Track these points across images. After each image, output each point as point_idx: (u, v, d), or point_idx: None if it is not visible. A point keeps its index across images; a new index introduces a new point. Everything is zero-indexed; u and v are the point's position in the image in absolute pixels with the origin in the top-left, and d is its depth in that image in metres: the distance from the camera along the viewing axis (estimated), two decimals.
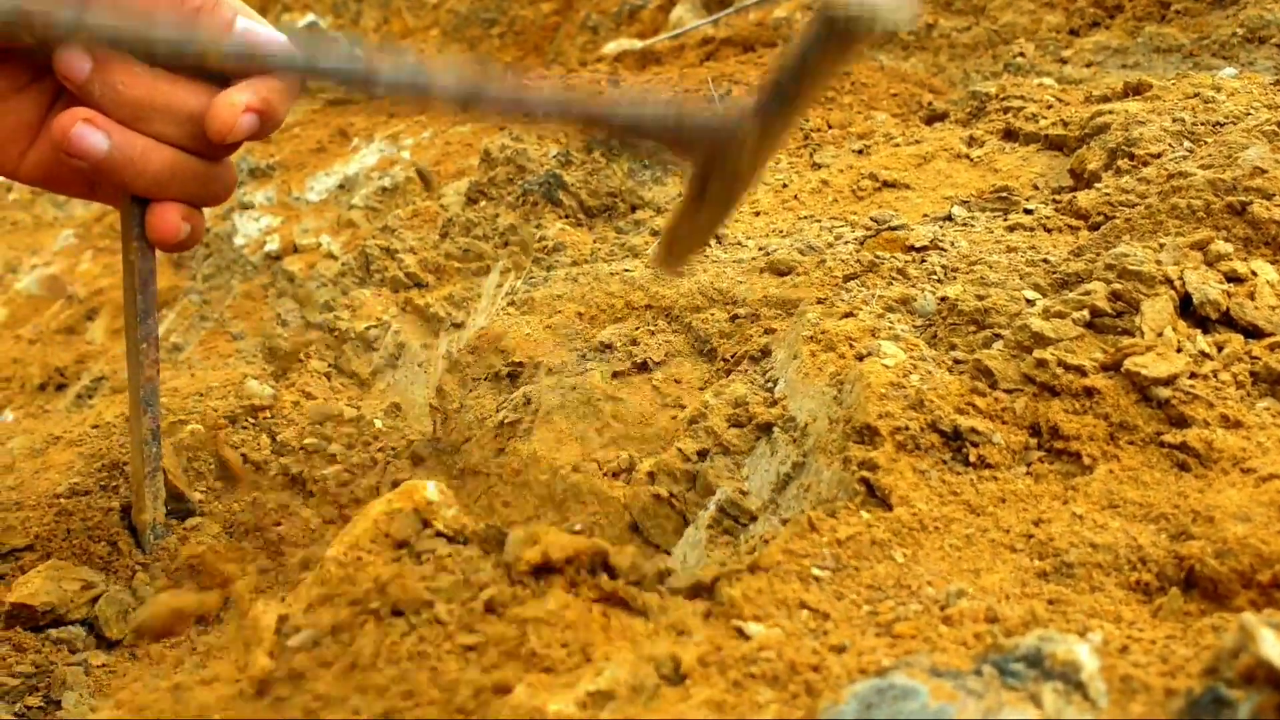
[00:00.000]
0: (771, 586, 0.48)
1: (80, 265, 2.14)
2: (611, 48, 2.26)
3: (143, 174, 0.74)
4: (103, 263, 2.11)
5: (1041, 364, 0.57)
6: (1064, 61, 1.51)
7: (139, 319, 0.84)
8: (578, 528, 0.72)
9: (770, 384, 0.70)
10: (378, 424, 1.07)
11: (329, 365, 1.23)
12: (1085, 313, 0.59)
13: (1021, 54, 1.55)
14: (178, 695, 0.51)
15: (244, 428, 1.07)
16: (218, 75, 0.73)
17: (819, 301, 0.73)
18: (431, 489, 0.59)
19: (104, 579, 0.88)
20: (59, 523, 0.95)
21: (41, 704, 0.76)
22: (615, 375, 0.82)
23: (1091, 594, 0.46)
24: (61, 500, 0.98)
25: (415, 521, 0.57)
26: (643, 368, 0.82)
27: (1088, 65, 1.44)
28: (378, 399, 1.18)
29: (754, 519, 0.62)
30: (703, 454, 0.71)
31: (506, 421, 0.85)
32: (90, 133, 0.71)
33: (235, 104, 0.72)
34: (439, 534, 0.57)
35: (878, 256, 0.76)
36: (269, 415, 1.09)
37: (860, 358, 0.63)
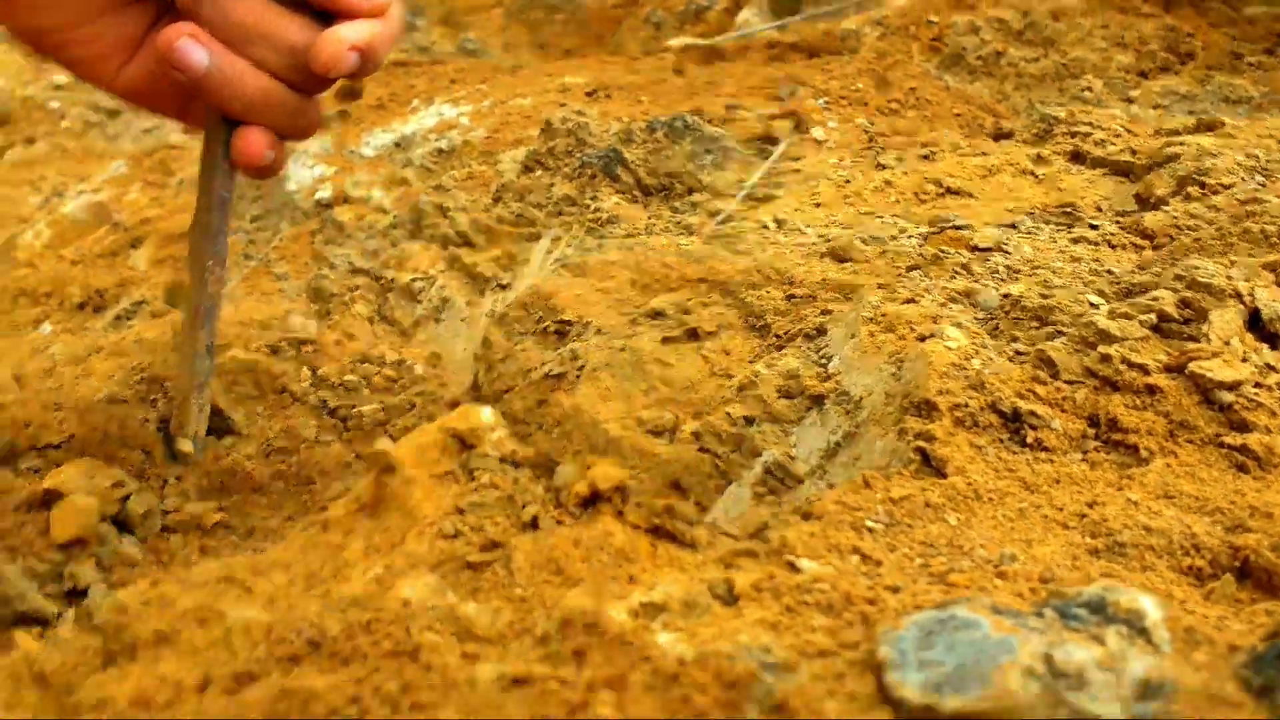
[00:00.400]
0: (824, 532, 0.49)
1: (128, 195, 2.16)
2: (675, 42, 2.28)
3: (238, 96, 0.75)
4: (150, 195, 2.13)
5: (1105, 359, 0.57)
6: (1130, 101, 1.51)
7: (210, 237, 0.85)
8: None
9: (824, 360, 0.71)
10: (418, 369, 1.08)
11: (372, 311, 1.24)
12: (1152, 316, 0.60)
13: (1089, 89, 1.55)
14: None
15: (285, 359, 1.08)
16: (321, 12, 0.75)
17: (880, 287, 0.74)
18: (486, 413, 0.60)
19: (136, 483, 0.89)
20: (95, 427, 0.96)
21: (69, 590, 0.76)
22: (665, 341, 0.83)
23: (1143, 573, 0.47)
24: (100, 406, 0.99)
25: (469, 440, 0.58)
26: (693, 336, 0.82)
27: (1154, 107, 1.44)
28: (419, 348, 1.19)
29: (800, 482, 0.62)
30: (750, 420, 0.71)
31: (551, 374, 0.86)
32: (194, 48, 0.72)
33: (342, 40, 0.74)
34: (489, 455, 0.58)
35: (942, 251, 0.76)
36: (311, 350, 1.10)
37: (922, 339, 0.64)
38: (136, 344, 1.13)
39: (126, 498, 0.86)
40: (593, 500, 0.54)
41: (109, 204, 2.17)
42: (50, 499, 0.81)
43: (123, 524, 0.85)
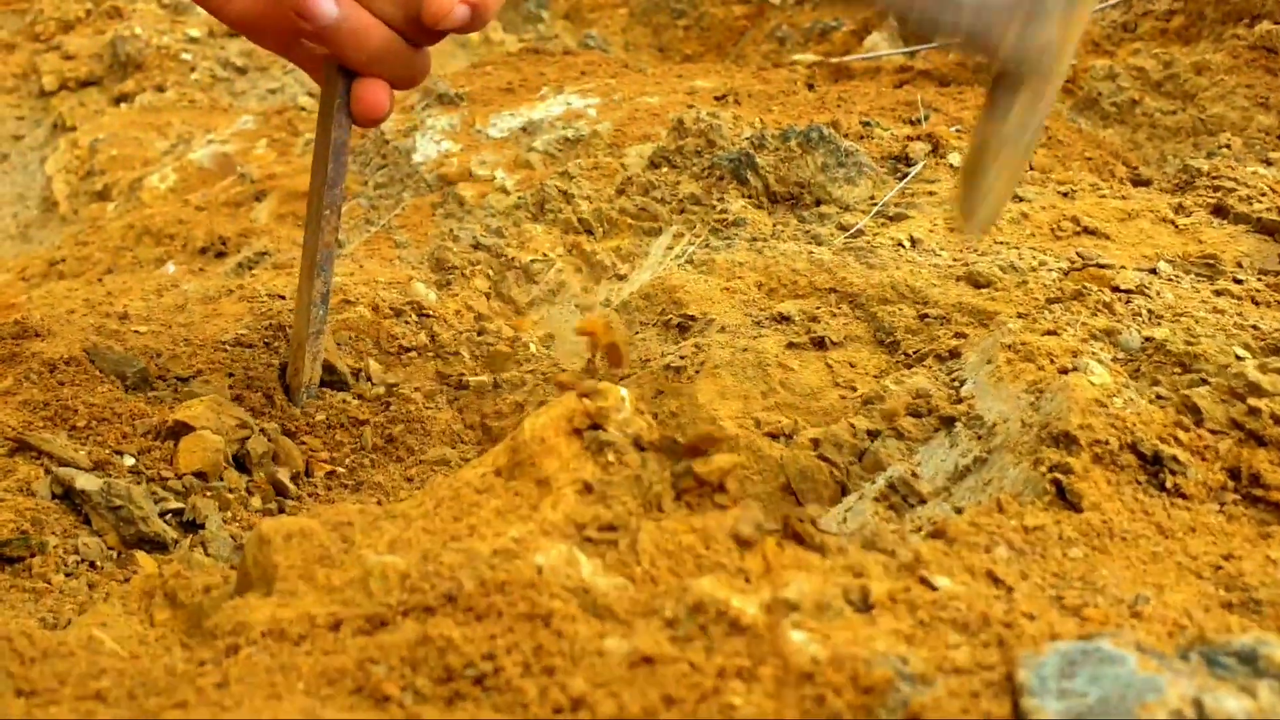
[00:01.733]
0: (958, 552, 0.49)
1: (255, 150, 2.21)
2: (804, 56, 2.27)
3: (363, 48, 0.78)
4: (277, 151, 2.18)
5: (1254, 412, 0.57)
6: (1269, 163, 1.48)
7: (327, 186, 0.87)
8: None
9: (957, 383, 0.71)
10: (532, 348, 1.09)
11: (490, 287, 1.26)
12: None
13: (1227, 146, 1.52)
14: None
15: (406, 322, 1.10)
16: None
17: (1020, 316, 0.73)
18: (624, 393, 0.61)
19: (255, 423, 0.91)
20: (222, 365, 0.98)
21: (189, 520, 0.79)
22: (789, 346, 0.83)
23: (1278, 633, 0.46)
24: (227, 347, 1.01)
25: (602, 418, 0.59)
26: (819, 344, 0.83)
27: None
28: (533, 328, 1.21)
29: (924, 502, 0.62)
30: (873, 434, 0.71)
31: (671, 366, 0.86)
32: (325, 0, 0.75)
33: None
34: (621, 434, 0.58)
35: (1084, 288, 0.75)
36: (431, 315, 1.12)
37: (1064, 372, 0.63)
38: (265, 290, 1.15)
39: (247, 438, 0.88)
40: (721, 489, 0.55)
41: (235, 156, 2.23)
42: (179, 430, 0.84)
43: (240, 462, 0.87)
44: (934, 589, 0.45)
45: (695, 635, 0.43)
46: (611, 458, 0.56)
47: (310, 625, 0.47)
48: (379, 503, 0.91)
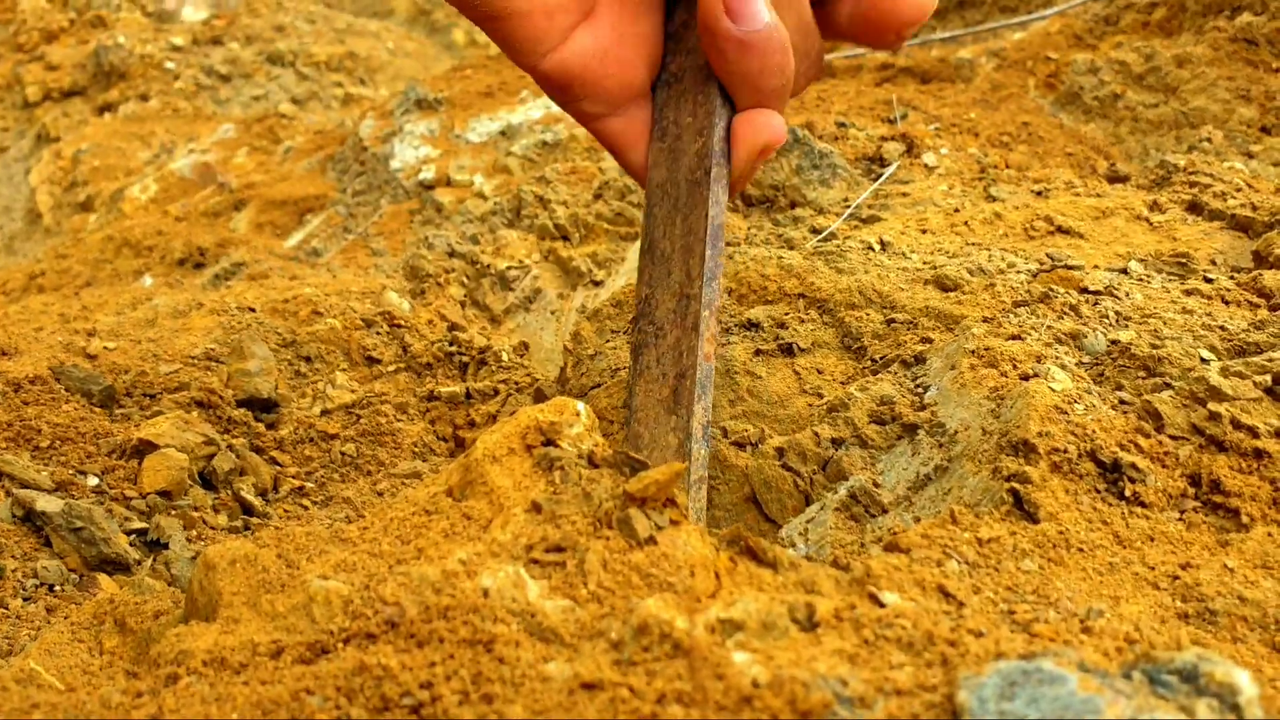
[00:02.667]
0: (909, 566, 0.48)
1: (235, 159, 2.20)
2: None
3: (784, 70, 0.64)
4: (257, 160, 2.17)
5: (1214, 417, 0.56)
6: (1251, 156, 1.47)
7: (705, 279, 0.63)
8: None
9: (920, 389, 0.70)
10: (505, 357, 1.08)
11: (465, 295, 1.25)
12: (1267, 378, 0.58)
13: (1208, 139, 1.52)
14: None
15: (377, 333, 1.10)
16: None
17: (984, 320, 0.73)
18: (581, 407, 0.60)
19: (222, 439, 0.90)
20: (189, 381, 0.98)
21: (153, 540, 0.78)
22: (757, 353, 0.83)
23: (1233, 644, 0.45)
24: (196, 361, 1.01)
25: (556, 434, 0.58)
26: (787, 351, 0.82)
27: (1275, 164, 1.41)
28: (507, 336, 1.20)
29: (885, 511, 0.62)
30: (837, 442, 0.70)
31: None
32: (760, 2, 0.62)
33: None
34: (574, 451, 0.57)
35: (1051, 290, 0.75)
36: (402, 326, 1.11)
37: (1025, 378, 0.63)
38: (235, 303, 1.15)
39: (213, 455, 0.87)
40: (670, 503, 0.54)
41: (216, 165, 2.22)
42: (143, 449, 0.83)
43: (206, 479, 0.87)
44: (881, 606, 0.44)
45: (639, 658, 0.43)
46: (560, 476, 0.55)
47: (252, 653, 0.46)
48: (348, 518, 0.90)
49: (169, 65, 3.02)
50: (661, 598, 0.45)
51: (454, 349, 1.08)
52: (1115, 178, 1.22)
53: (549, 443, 0.58)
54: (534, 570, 0.48)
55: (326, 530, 0.56)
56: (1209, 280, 0.80)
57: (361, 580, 0.48)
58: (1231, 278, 0.83)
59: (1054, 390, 0.60)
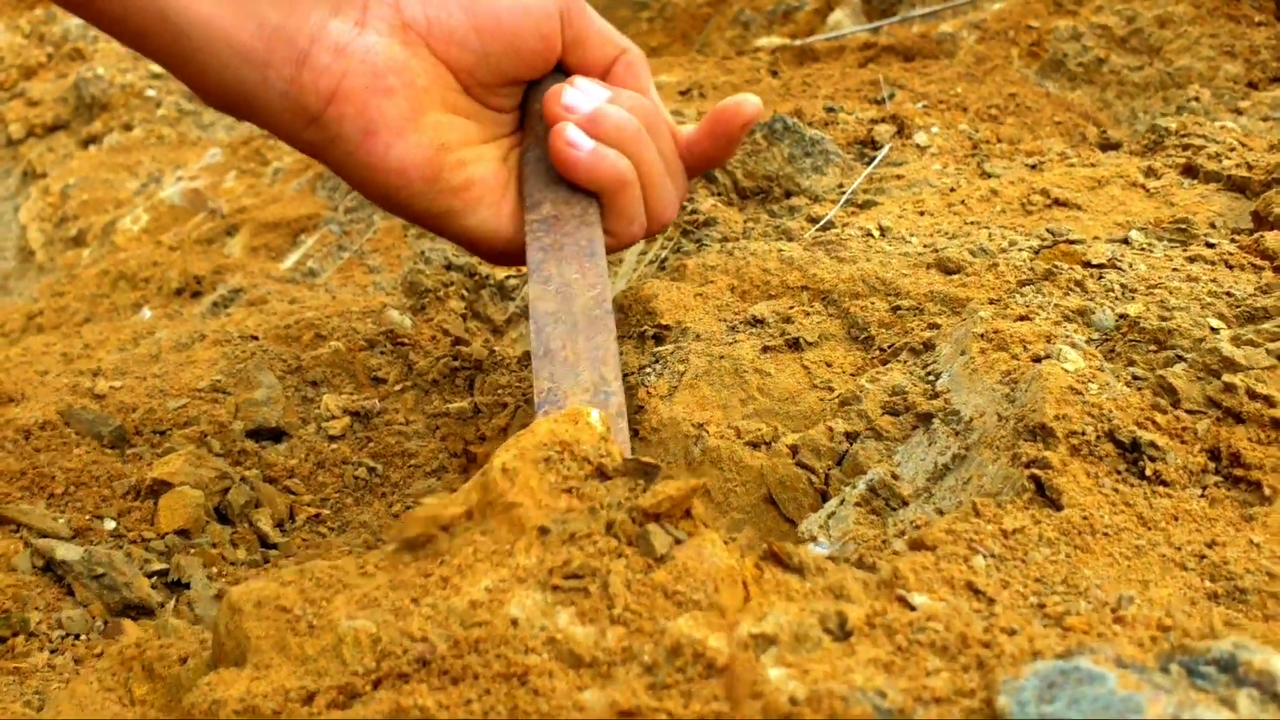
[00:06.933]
0: (937, 565, 0.48)
1: (224, 183, 2.19)
2: (765, 41, 2.26)
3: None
4: (246, 183, 2.16)
5: (1229, 388, 0.56)
6: (1239, 113, 1.47)
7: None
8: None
9: (932, 377, 0.70)
10: (510, 368, 1.08)
11: (465, 307, 1.25)
12: (1279, 345, 0.58)
13: (1195, 99, 1.51)
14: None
15: (381, 352, 1.09)
16: None
17: (991, 302, 0.72)
18: (595, 415, 0.60)
19: (235, 472, 0.90)
20: (198, 415, 0.97)
21: (174, 580, 0.78)
22: (765, 350, 0.82)
23: (1265, 622, 0.45)
24: (203, 394, 1.00)
25: (576, 446, 0.58)
26: (794, 346, 0.82)
27: (1264, 119, 1.40)
28: (510, 346, 1.20)
29: (905, 504, 0.61)
30: (851, 436, 0.70)
31: (649, 379, 0.85)
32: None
33: None
34: (593, 463, 0.57)
35: (1055, 266, 0.74)
36: (406, 344, 1.11)
37: (1037, 360, 0.62)
38: (238, 331, 1.14)
39: (228, 489, 0.87)
40: (686, 515, 0.54)
41: (205, 191, 2.22)
42: (158, 489, 0.83)
43: (223, 514, 0.87)
44: (912, 609, 0.44)
45: (673, 680, 0.43)
46: (587, 491, 0.55)
47: (284, 700, 0.46)
48: (366, 543, 0.90)
49: (150, 93, 3.01)
50: (691, 616, 0.45)
51: (458, 364, 1.08)
52: (1107, 145, 1.22)
53: (574, 452, 0.58)
54: (560, 596, 0.48)
55: (352, 560, 0.56)
56: (1210, 245, 0.80)
57: (388, 615, 0.48)
58: (1233, 240, 0.83)
59: (1067, 371, 0.59)
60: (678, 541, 0.51)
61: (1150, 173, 1.01)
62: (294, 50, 0.74)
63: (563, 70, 0.86)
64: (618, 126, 0.81)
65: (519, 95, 0.86)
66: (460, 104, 0.82)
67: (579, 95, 0.81)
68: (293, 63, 0.74)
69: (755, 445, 0.75)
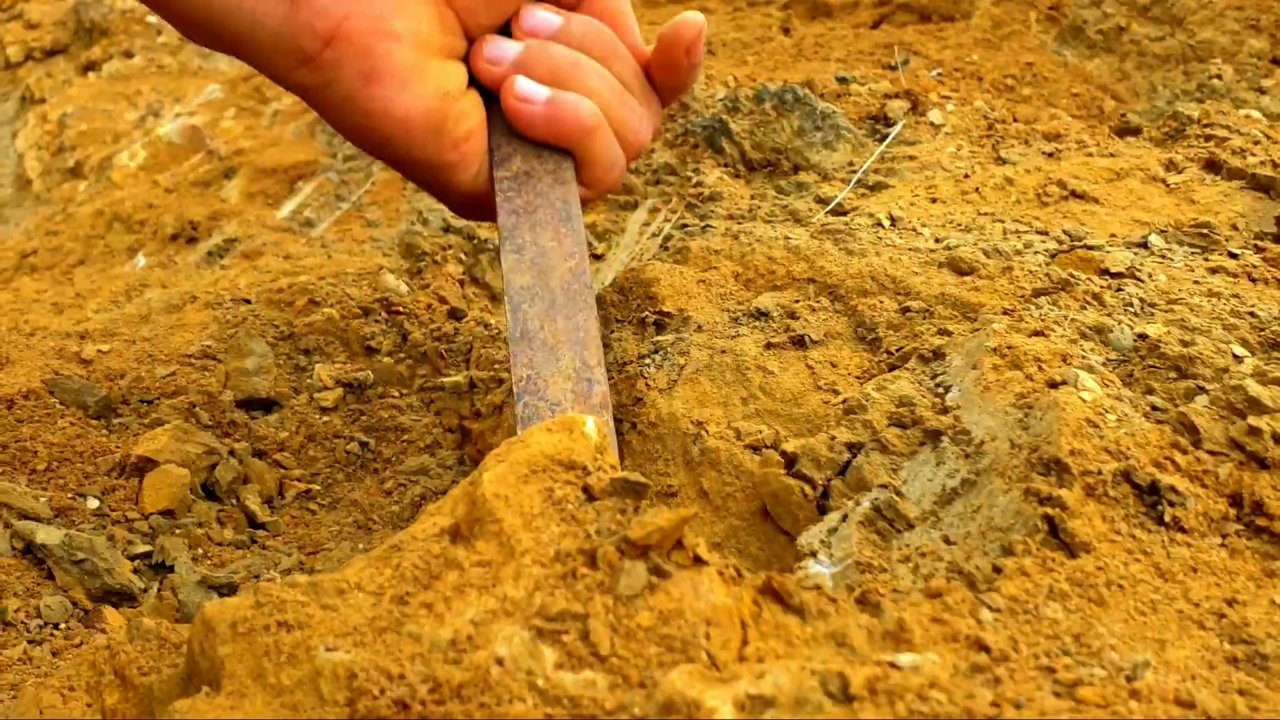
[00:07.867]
0: (943, 616, 0.46)
1: (222, 122, 2.15)
2: None
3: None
4: (245, 124, 2.12)
5: (1254, 432, 0.53)
6: (1262, 91, 1.43)
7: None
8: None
9: (941, 389, 0.68)
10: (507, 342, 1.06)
11: (463, 272, 1.22)
12: None
13: (1218, 75, 1.48)
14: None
15: (376, 321, 1.07)
16: None
17: (1005, 312, 0.70)
18: (590, 425, 0.58)
19: (224, 447, 0.88)
20: (187, 384, 0.95)
21: (158, 563, 0.76)
22: (768, 346, 0.80)
23: None
24: (193, 360, 0.98)
25: (565, 461, 0.55)
26: (799, 343, 0.79)
27: None
28: (507, 315, 1.17)
29: (911, 527, 0.59)
30: (854, 447, 0.68)
31: (648, 370, 0.83)
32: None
33: None
34: (586, 483, 0.55)
35: (1072, 276, 0.72)
36: (401, 312, 1.09)
37: (1052, 384, 0.60)
38: (229, 294, 1.12)
39: (215, 465, 0.85)
40: (678, 546, 0.52)
41: (203, 129, 2.17)
42: (143, 466, 0.81)
43: (209, 491, 0.85)
44: (917, 672, 0.42)
45: None
46: (570, 515, 0.53)
47: None
48: (356, 522, 0.88)
49: (151, 19, 2.95)
50: (685, 670, 0.43)
51: (456, 335, 1.06)
52: (1126, 129, 1.19)
53: (561, 468, 0.56)
54: (547, 636, 0.46)
55: (332, 577, 0.54)
56: (1233, 255, 0.78)
57: (367, 647, 0.46)
58: (1256, 247, 0.81)
59: (1084, 401, 0.57)
60: (669, 576, 0.49)
61: (1171, 166, 0.98)
62: None
63: None
64: (570, 63, 0.77)
65: None
66: (460, 48, 0.78)
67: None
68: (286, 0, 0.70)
69: (756, 449, 0.73)
